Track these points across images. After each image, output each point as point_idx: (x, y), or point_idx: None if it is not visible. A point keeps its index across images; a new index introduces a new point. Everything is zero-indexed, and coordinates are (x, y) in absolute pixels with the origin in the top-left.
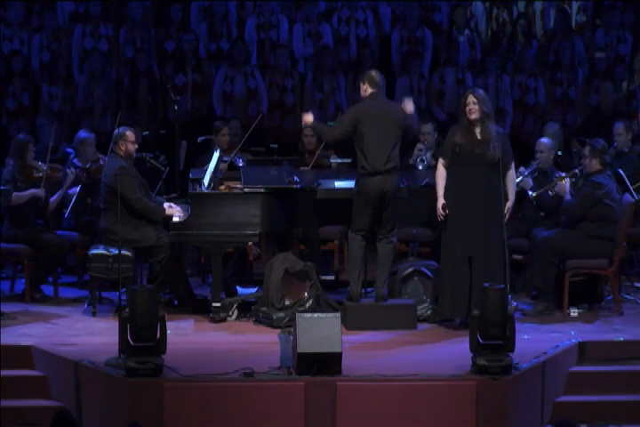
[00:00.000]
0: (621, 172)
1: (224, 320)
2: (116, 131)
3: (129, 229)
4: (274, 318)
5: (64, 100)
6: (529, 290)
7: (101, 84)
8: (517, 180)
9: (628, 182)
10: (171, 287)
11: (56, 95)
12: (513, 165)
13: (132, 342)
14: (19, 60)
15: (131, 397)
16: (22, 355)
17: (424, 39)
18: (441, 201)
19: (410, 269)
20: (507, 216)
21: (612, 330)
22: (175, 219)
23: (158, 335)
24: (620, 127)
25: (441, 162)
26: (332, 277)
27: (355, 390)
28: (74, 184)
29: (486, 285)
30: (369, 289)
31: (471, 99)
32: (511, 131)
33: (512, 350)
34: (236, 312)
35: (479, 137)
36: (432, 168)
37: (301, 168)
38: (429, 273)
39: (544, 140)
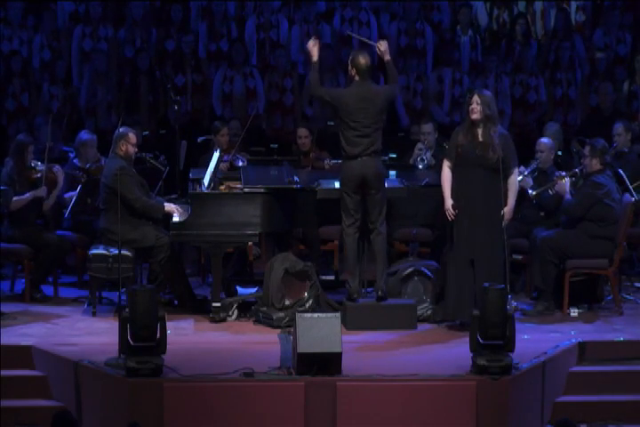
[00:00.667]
0: (621, 172)
1: (224, 320)
2: (119, 131)
3: (129, 229)
4: (274, 318)
5: (64, 99)
6: (529, 290)
7: (104, 84)
8: (518, 178)
9: (628, 182)
10: (171, 287)
11: (56, 95)
12: (516, 170)
13: (131, 342)
14: (18, 60)
15: (131, 397)
16: (22, 355)
17: (424, 33)
18: (449, 201)
19: (410, 269)
20: (505, 221)
21: (612, 330)
22: (175, 218)
23: (158, 335)
24: (619, 128)
25: (446, 164)
26: (332, 277)
27: (355, 390)
28: (69, 185)
29: (486, 285)
30: (369, 289)
31: (475, 99)
32: (511, 130)
33: (512, 350)
34: (235, 312)
35: (480, 139)
36: (432, 168)
37: (303, 170)
38: (429, 273)
39: (544, 140)
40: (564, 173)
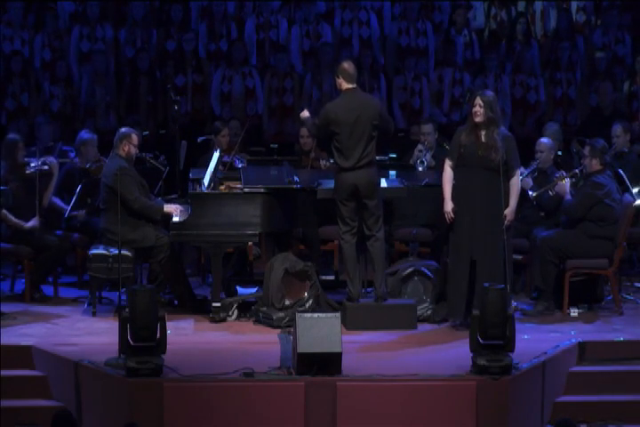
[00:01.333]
0: (621, 172)
1: (224, 320)
2: (121, 131)
3: (129, 229)
4: (274, 318)
5: (64, 99)
6: (529, 290)
7: (104, 84)
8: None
9: (628, 182)
10: (171, 287)
11: (57, 95)
12: (519, 171)
13: (132, 342)
14: (19, 60)
15: (131, 397)
16: (22, 355)
17: (426, 32)
18: (449, 205)
19: (410, 269)
20: (506, 222)
21: (612, 330)
22: (175, 219)
23: (158, 335)
24: (617, 129)
25: (448, 164)
26: (332, 277)
27: (355, 390)
28: (69, 185)
29: (486, 285)
30: (369, 289)
31: (478, 101)
32: (511, 130)
33: (512, 350)
34: (235, 312)
35: (483, 140)
36: (432, 168)
37: (303, 170)
38: (429, 273)
39: (544, 140)
40: (564, 174)
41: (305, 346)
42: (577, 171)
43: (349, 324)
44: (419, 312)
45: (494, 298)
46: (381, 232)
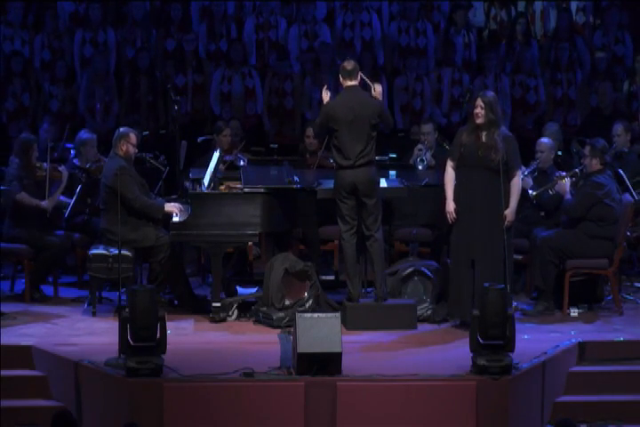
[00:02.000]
0: (621, 172)
1: (224, 320)
2: (119, 131)
3: (129, 229)
4: (274, 318)
5: (64, 99)
6: (529, 290)
7: (103, 84)
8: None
9: (628, 182)
10: (171, 287)
11: (56, 95)
12: (520, 172)
13: (132, 342)
14: (19, 60)
15: (131, 397)
16: (22, 355)
17: (426, 31)
18: (451, 205)
19: (410, 269)
20: (507, 222)
21: (612, 330)
22: (175, 218)
23: (158, 335)
24: (618, 128)
25: (449, 164)
26: (332, 277)
27: (355, 390)
28: (69, 185)
29: (486, 285)
30: (369, 289)
31: (479, 102)
32: (511, 131)
33: (512, 350)
34: (235, 312)
35: (483, 140)
36: (432, 168)
37: (304, 170)
38: (429, 273)
39: (544, 140)
40: (564, 173)
41: (305, 346)
42: (577, 171)
43: (349, 324)
44: (419, 312)
45: (494, 298)
46: (380, 232)
